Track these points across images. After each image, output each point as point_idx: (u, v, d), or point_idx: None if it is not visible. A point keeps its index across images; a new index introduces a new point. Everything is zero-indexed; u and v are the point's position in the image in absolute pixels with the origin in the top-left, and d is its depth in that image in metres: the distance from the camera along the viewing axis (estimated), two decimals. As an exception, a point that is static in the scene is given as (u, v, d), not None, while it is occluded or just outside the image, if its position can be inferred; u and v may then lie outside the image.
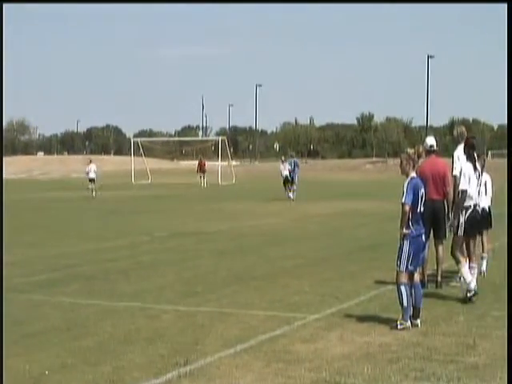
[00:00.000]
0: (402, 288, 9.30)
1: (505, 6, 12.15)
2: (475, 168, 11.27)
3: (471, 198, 11.18)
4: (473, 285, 10.89)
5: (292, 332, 9.08)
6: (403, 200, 9.34)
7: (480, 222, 11.71)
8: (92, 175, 43.28)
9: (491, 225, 13.30)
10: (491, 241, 13.94)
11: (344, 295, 11.34)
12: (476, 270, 11.45)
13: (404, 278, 9.35)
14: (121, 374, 7.40)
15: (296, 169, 38.35)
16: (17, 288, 12.34)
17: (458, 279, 12.11)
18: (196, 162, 63.64)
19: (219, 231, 21.63)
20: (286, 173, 38.26)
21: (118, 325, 9.55)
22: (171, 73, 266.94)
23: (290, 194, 37.39)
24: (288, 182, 38.09)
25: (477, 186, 11.37)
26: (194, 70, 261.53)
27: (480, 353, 8.07)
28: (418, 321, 9.31)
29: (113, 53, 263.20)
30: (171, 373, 7.41)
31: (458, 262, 11.16)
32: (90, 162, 45.62)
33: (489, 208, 13.13)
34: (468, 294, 10.81)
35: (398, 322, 9.17)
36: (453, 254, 11.27)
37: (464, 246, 11.36)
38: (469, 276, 10.96)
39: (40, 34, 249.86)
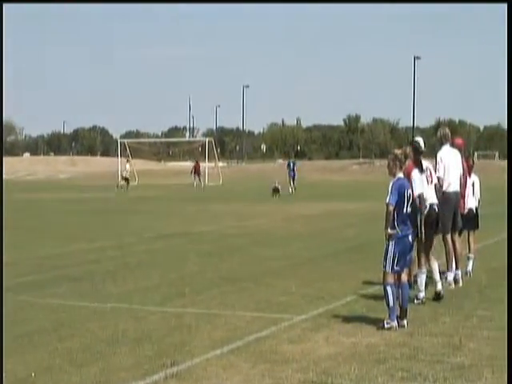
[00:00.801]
0: (388, 288, 9.33)
1: (505, 6, 12.19)
2: (421, 171, 11.17)
3: (426, 199, 11.17)
4: (422, 294, 10.86)
5: (279, 333, 9.09)
6: (387, 200, 9.38)
7: (436, 222, 11.45)
8: (126, 174, 52.48)
9: (478, 226, 13.36)
10: (477, 241, 14.00)
11: (331, 296, 11.36)
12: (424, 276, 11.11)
13: (390, 279, 9.39)
14: (108, 376, 7.39)
15: (295, 168, 48.86)
16: (4, 289, 12.29)
17: (444, 279, 12.16)
18: (184, 163, 64.38)
19: (206, 232, 21.62)
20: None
21: (105, 326, 9.53)
22: (158, 74, 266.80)
23: (290, 189, 46.25)
24: (293, 180, 47.60)
25: (429, 184, 11.31)
26: (181, 70, 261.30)
27: (466, 353, 8.11)
28: (405, 321, 9.34)
29: (100, 53, 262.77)
30: (158, 374, 7.41)
31: (419, 265, 11.10)
32: (127, 161, 54.08)
33: (476, 209, 13.20)
34: (415, 301, 10.66)
35: (385, 322, 9.21)
36: (418, 257, 11.29)
37: (422, 248, 11.21)
38: (423, 283, 10.93)
39: (26, 34, 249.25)
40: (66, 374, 7.49)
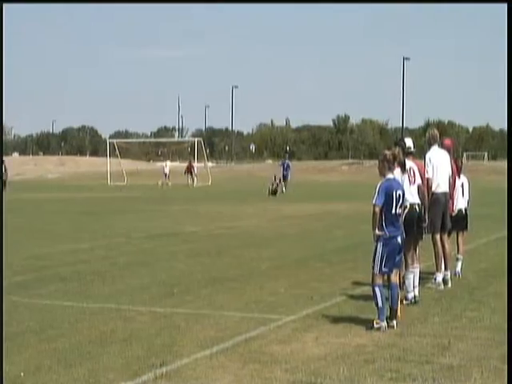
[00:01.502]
0: (377, 289, 9.33)
1: (505, 6, 12.20)
2: (403, 171, 11.19)
3: (407, 199, 11.18)
4: (410, 295, 10.87)
5: (268, 333, 9.08)
6: (373, 201, 9.35)
7: (417, 222, 11.46)
8: (167, 171, 60.66)
9: (467, 227, 13.39)
10: (466, 242, 14.03)
11: (320, 296, 11.36)
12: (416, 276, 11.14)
13: (379, 280, 9.39)
14: (96, 376, 7.37)
15: (288, 169, 49.30)
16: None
17: (433, 280, 12.19)
18: (173, 164, 65.15)
19: (195, 232, 21.60)
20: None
21: (94, 326, 9.51)
22: (147, 73, 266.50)
23: (284, 189, 46.58)
24: (284, 179, 47.87)
25: (411, 184, 11.32)
26: (170, 70, 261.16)
27: (455, 354, 8.12)
28: (394, 322, 9.34)
29: (89, 53, 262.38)
30: (147, 374, 7.40)
31: (406, 266, 11.10)
32: (166, 160, 62.98)
33: (465, 210, 13.23)
34: (404, 302, 10.65)
35: (374, 322, 9.21)
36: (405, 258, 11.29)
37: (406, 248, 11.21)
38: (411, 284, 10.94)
39: (15, 33, 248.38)
40: (55, 375, 7.46)
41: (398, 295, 9.58)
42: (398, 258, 9.61)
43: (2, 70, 11.72)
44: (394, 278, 9.62)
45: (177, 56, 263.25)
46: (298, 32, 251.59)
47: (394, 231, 9.45)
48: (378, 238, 9.39)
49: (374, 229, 9.40)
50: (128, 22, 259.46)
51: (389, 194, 9.38)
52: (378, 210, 9.34)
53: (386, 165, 9.55)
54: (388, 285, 9.51)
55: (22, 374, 7.47)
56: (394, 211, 9.43)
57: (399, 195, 9.49)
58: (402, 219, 10.51)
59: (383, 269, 9.38)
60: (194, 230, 22.15)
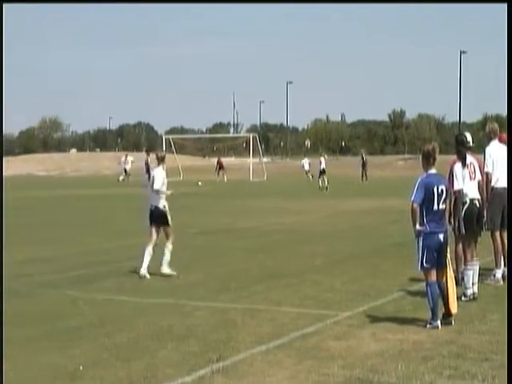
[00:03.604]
0: (428, 288, 9.18)
1: (505, 6, 12.02)
2: (464, 165, 11.06)
3: (467, 195, 11.03)
4: (469, 291, 10.72)
5: (324, 329, 9.06)
6: (411, 198, 9.17)
7: (477, 218, 11.22)
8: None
9: None
10: None
11: (376, 293, 11.29)
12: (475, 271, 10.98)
13: (429, 277, 9.23)
14: (154, 371, 7.43)
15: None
16: (51, 284, 12.46)
17: (492, 277, 12.02)
18: (226, 159, 65.97)
19: (249, 228, 21.64)
20: (323, 166, 48.41)
21: (151, 321, 9.59)
22: (203, 70, 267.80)
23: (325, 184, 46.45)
24: (323, 173, 47.78)
25: (471, 180, 11.16)
26: (225, 67, 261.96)
27: (515, 351, 7.99)
28: (451, 319, 9.23)
29: (145, 50, 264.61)
30: (204, 369, 7.43)
31: (465, 262, 10.96)
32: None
33: None
34: (463, 298, 10.56)
35: (428, 323, 9.09)
36: (457, 254, 11.13)
37: (466, 244, 11.11)
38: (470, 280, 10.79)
39: (72, 33, 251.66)
40: (113, 369, 7.54)
41: (441, 293, 9.26)
42: (440, 256, 9.27)
43: (2, 70, 11.97)
44: (440, 277, 9.32)
45: (232, 52, 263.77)
46: (353, 27, 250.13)
47: (435, 227, 9.18)
48: (418, 234, 9.22)
49: (413, 225, 9.23)
50: (183, 17, 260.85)
51: (429, 190, 9.15)
52: (415, 206, 9.12)
53: (425, 160, 9.39)
54: (441, 281, 9.34)
55: (81, 367, 7.56)
56: (435, 207, 9.18)
57: (441, 190, 9.22)
58: (459, 214, 10.40)
59: (425, 265, 9.18)
60: (249, 226, 22.19)
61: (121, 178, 60.53)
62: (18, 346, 8.41)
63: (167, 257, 13.21)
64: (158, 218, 13.39)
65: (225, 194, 41.51)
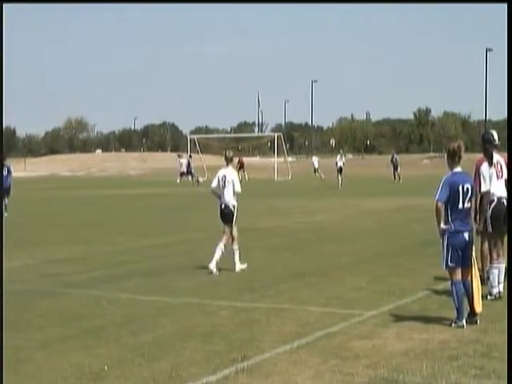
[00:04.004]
0: (453, 287, 9.12)
1: (505, 6, 11.89)
2: (491, 163, 10.97)
3: (494, 193, 10.92)
4: (495, 290, 10.63)
5: (349, 328, 9.02)
6: (435, 197, 9.11)
7: (504, 217, 11.19)
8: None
9: None
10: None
11: (401, 292, 11.23)
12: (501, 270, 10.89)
13: (454, 276, 9.16)
14: (178, 370, 7.43)
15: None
16: (75, 284, 12.52)
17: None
18: (251, 159, 65.59)
19: (273, 227, 21.62)
20: (340, 164, 49.14)
21: (175, 321, 9.60)
22: (227, 70, 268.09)
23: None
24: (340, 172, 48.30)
25: (498, 178, 11.06)
26: (249, 66, 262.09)
27: (541, 350, 7.91)
28: (476, 318, 9.16)
29: (169, 51, 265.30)
30: (228, 369, 7.42)
31: (491, 260, 10.87)
32: (178, 156, 60.23)
33: None
34: (488, 297, 10.48)
35: (453, 322, 9.03)
36: (482, 252, 11.04)
37: (492, 243, 11.00)
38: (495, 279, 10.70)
39: (96, 33, 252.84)
40: (138, 368, 7.56)
41: (466, 292, 9.19)
42: (465, 255, 9.19)
43: (2, 70, 12.04)
44: (465, 276, 9.25)
45: (256, 51, 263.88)
46: (378, 25, 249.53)
47: (460, 226, 9.11)
48: (443, 233, 9.16)
49: (438, 224, 9.17)
50: (208, 18, 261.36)
51: (454, 189, 9.08)
52: (440, 205, 9.05)
53: (450, 159, 9.32)
54: (465, 281, 9.27)
55: (106, 367, 7.58)
56: (461, 206, 9.11)
57: (467, 189, 9.14)
58: (486, 214, 10.30)
59: (450, 264, 9.11)
60: (273, 225, 22.17)
61: (191, 179, 55.20)
62: (42, 345, 8.46)
63: (236, 256, 13.58)
64: (225, 216, 13.78)
65: (249, 194, 41.42)
